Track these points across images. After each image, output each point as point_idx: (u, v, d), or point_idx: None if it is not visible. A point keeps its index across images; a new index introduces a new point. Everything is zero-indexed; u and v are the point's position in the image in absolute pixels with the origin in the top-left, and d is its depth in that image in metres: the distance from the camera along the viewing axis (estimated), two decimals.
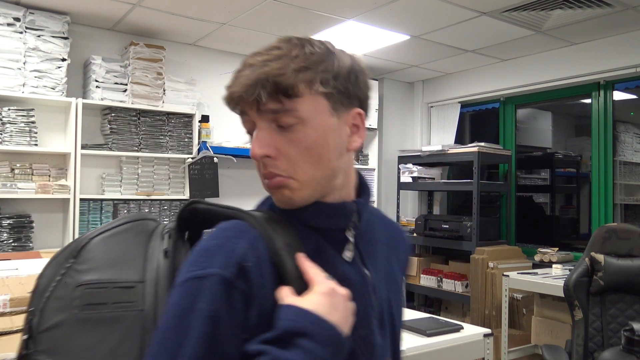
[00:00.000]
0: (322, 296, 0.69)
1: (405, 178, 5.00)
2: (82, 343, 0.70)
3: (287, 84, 0.74)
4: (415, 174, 4.92)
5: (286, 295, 0.69)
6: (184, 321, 0.64)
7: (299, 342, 0.64)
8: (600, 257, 2.47)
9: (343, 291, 0.72)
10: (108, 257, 0.75)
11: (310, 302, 0.68)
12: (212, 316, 0.64)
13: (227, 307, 0.65)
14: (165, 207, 3.97)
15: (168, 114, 3.98)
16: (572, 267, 2.60)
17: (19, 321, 1.30)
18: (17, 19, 3.42)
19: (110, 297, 0.72)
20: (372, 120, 4.94)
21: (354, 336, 0.73)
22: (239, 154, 4.27)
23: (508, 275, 3.64)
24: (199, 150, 4.06)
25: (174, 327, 0.64)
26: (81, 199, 3.60)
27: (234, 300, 0.66)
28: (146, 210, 3.88)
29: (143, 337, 0.70)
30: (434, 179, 4.98)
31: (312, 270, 0.72)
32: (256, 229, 0.74)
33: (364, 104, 0.83)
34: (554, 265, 3.83)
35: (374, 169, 5.04)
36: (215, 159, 4.07)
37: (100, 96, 3.69)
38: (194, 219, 0.82)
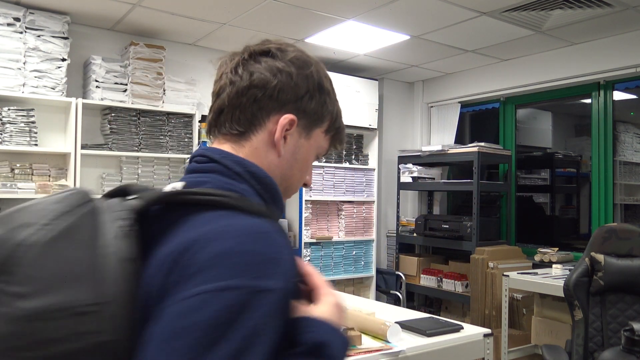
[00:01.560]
0: (334, 307, 0.71)
1: (405, 178, 5.00)
2: None
3: None
4: (415, 174, 4.93)
5: (303, 306, 0.71)
6: (237, 336, 0.55)
7: (325, 352, 0.65)
8: (600, 257, 2.47)
9: (341, 300, 0.75)
10: (54, 272, 0.54)
11: (327, 313, 0.70)
12: (275, 333, 0.60)
13: (283, 322, 0.62)
14: None
15: (168, 114, 3.98)
16: (572, 267, 2.60)
17: None
18: (17, 19, 3.42)
19: (68, 329, 0.53)
20: (372, 120, 4.94)
21: None
22: None
23: (508, 275, 3.64)
24: None
25: (226, 340, 0.54)
26: None
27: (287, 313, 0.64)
28: None
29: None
30: (434, 179, 4.98)
31: (317, 277, 0.74)
32: (284, 232, 0.69)
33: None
34: (554, 265, 3.83)
35: (374, 169, 5.04)
36: None
37: (100, 96, 3.69)
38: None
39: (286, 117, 0.79)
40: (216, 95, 0.83)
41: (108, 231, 0.58)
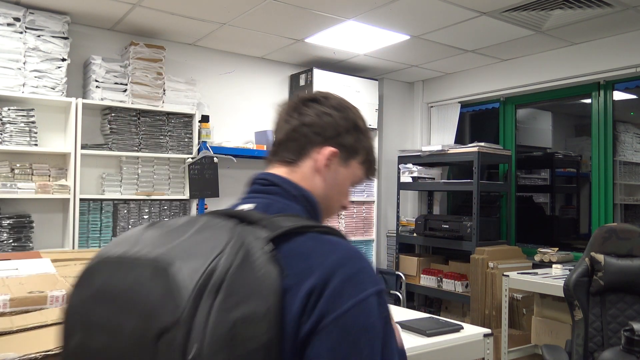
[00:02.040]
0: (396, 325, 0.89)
1: (405, 178, 5.00)
2: None
3: None
4: (415, 174, 4.93)
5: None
6: (390, 324, 0.82)
7: None
8: (600, 257, 2.47)
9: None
10: (245, 288, 0.72)
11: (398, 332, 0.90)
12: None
13: None
14: (165, 207, 3.97)
15: (168, 114, 3.98)
16: (572, 267, 2.60)
17: (19, 321, 1.30)
18: (17, 19, 3.43)
19: (258, 329, 0.71)
20: (372, 120, 4.94)
21: None
22: (239, 154, 4.27)
23: (508, 275, 3.64)
24: (199, 150, 4.06)
25: (390, 328, 0.81)
26: (81, 199, 3.60)
27: None
28: (146, 210, 3.89)
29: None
30: (434, 179, 4.98)
31: None
32: None
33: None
34: (554, 265, 3.83)
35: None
36: (215, 159, 4.07)
37: (100, 96, 3.70)
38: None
39: (329, 150, 1.01)
40: (275, 131, 1.05)
41: (260, 257, 0.75)
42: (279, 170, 1.01)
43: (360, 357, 0.75)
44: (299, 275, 0.78)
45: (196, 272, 0.71)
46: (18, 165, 3.47)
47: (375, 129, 5.01)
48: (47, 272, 1.85)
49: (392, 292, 4.85)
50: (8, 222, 3.37)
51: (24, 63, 3.44)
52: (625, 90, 4.18)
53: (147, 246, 0.77)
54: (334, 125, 1.02)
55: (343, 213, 4.82)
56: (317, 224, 0.86)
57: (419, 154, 4.83)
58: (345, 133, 1.03)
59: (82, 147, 3.61)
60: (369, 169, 1.10)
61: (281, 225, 0.82)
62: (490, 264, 4.06)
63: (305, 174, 1.00)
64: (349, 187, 1.08)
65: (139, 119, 3.86)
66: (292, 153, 1.01)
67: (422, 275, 4.78)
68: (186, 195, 4.03)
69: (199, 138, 4.10)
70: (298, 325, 0.75)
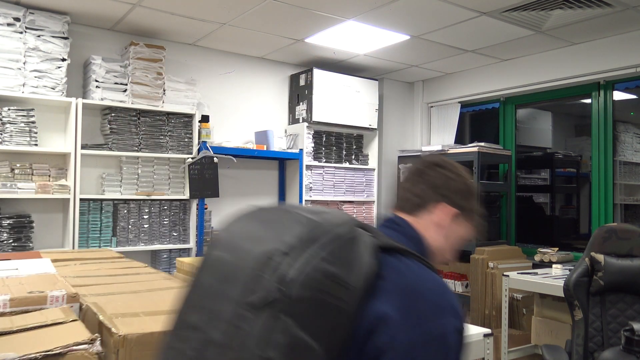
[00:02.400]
0: None
1: None
2: (314, 318, 0.85)
3: None
4: None
5: None
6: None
7: None
8: (600, 257, 2.47)
9: None
10: (345, 258, 0.89)
11: None
12: None
13: None
14: (165, 207, 3.97)
15: (168, 114, 3.98)
16: (572, 267, 2.60)
17: (19, 321, 1.30)
18: (17, 19, 3.43)
19: (341, 293, 0.86)
20: (372, 120, 4.95)
21: None
22: (239, 154, 4.28)
23: (508, 275, 3.64)
24: (199, 150, 4.06)
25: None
26: (81, 199, 3.60)
27: None
28: (146, 210, 3.89)
29: (345, 330, 0.87)
30: None
31: None
32: None
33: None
34: (554, 265, 3.83)
35: (374, 169, 5.04)
36: (215, 159, 4.08)
37: (100, 96, 3.70)
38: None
39: (448, 207, 1.20)
40: (406, 188, 1.25)
41: (367, 250, 0.92)
42: (406, 217, 1.21)
43: None
44: (389, 284, 0.93)
45: (317, 228, 0.91)
46: (18, 165, 3.48)
47: (375, 129, 5.02)
48: (47, 272, 1.85)
49: None
50: (8, 222, 3.37)
51: (24, 63, 3.44)
52: (625, 90, 4.18)
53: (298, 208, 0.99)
54: (455, 189, 1.22)
55: None
56: (420, 256, 1.03)
57: (419, 154, 4.83)
58: (463, 196, 1.23)
59: (82, 147, 3.61)
60: (478, 229, 1.31)
61: (388, 242, 0.99)
62: (490, 264, 4.06)
63: (425, 224, 1.20)
64: (458, 243, 1.26)
65: (139, 119, 3.86)
66: (418, 206, 1.21)
67: None
68: (186, 195, 4.03)
69: (199, 138, 4.10)
70: (372, 329, 0.89)
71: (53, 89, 3.53)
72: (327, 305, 0.85)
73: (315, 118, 4.57)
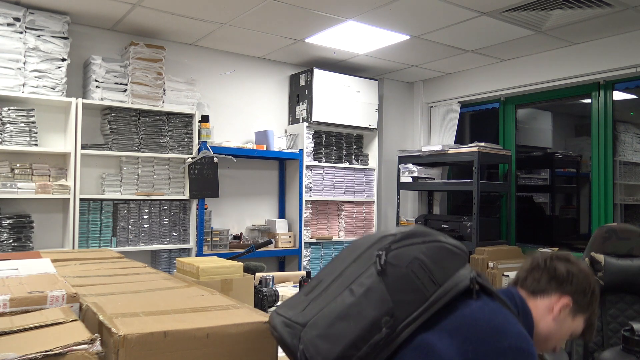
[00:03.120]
0: None
1: (405, 178, 5.00)
2: (395, 284, 1.02)
3: None
4: (415, 174, 4.93)
5: None
6: None
7: None
8: (600, 257, 2.47)
9: None
10: (442, 262, 1.06)
11: None
12: None
13: None
14: (165, 207, 3.97)
15: (168, 114, 3.98)
16: None
17: (19, 321, 1.30)
18: (17, 19, 3.43)
19: (422, 276, 1.02)
20: (372, 120, 4.95)
21: None
22: (239, 154, 4.28)
23: (508, 275, 3.64)
24: (199, 150, 4.06)
25: None
26: (81, 199, 3.60)
27: None
28: (146, 210, 3.89)
29: (416, 306, 1.01)
30: (434, 179, 4.98)
31: None
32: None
33: None
34: None
35: (374, 169, 5.04)
36: (215, 159, 4.08)
37: (100, 96, 3.70)
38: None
39: (566, 299, 1.31)
40: (534, 278, 1.36)
41: (463, 267, 1.11)
42: (523, 293, 1.34)
43: None
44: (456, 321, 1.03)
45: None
46: (18, 165, 3.48)
47: (375, 129, 5.02)
48: (47, 272, 1.85)
49: None
50: (8, 222, 3.37)
51: (24, 63, 3.44)
52: (625, 90, 4.18)
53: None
54: (575, 283, 1.32)
55: (343, 213, 4.83)
56: (514, 311, 1.12)
57: (419, 154, 4.83)
58: (582, 293, 1.32)
59: (82, 147, 3.61)
60: (589, 329, 1.38)
61: (489, 285, 1.11)
62: (491, 264, 4.06)
63: (539, 307, 1.31)
64: (567, 335, 1.36)
65: (139, 119, 3.86)
66: (538, 290, 1.33)
67: None
68: (186, 195, 4.03)
69: (199, 138, 4.10)
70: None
71: (53, 89, 3.53)
72: (410, 281, 1.01)
73: (315, 118, 4.57)
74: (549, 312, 1.31)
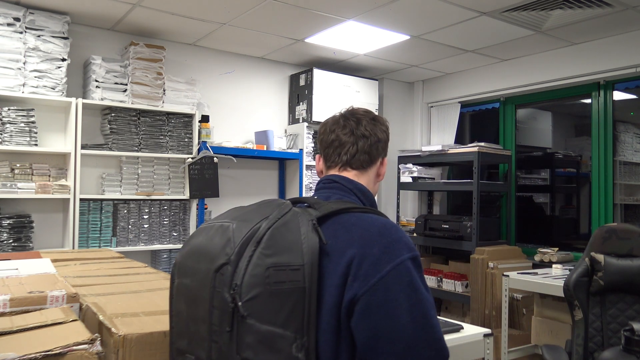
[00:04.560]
0: None
1: (405, 178, 5.00)
2: (271, 309, 0.93)
3: None
4: (415, 174, 4.93)
5: None
6: (424, 280, 1.03)
7: None
8: (600, 257, 2.47)
9: None
10: (282, 244, 0.97)
11: None
12: None
13: None
14: (165, 207, 3.97)
15: (168, 114, 3.98)
16: (572, 267, 2.60)
17: (19, 321, 1.30)
18: (17, 19, 3.43)
19: (287, 277, 0.94)
20: None
21: None
22: (239, 154, 4.28)
23: (508, 275, 3.64)
24: (199, 150, 4.06)
25: (425, 288, 1.02)
26: (81, 199, 3.60)
27: None
28: (146, 210, 3.89)
29: (305, 306, 0.94)
30: (434, 179, 4.98)
31: None
32: None
33: None
34: (554, 265, 3.83)
35: None
36: (215, 159, 4.08)
37: (100, 96, 3.70)
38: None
39: (385, 160, 1.33)
40: (340, 139, 1.29)
41: (305, 226, 1.00)
42: (347, 174, 1.27)
43: (401, 308, 0.96)
44: (341, 244, 1.01)
45: (245, 229, 0.99)
46: (18, 165, 3.48)
47: None
48: (47, 272, 1.85)
49: None
50: (8, 222, 3.37)
51: (24, 63, 3.44)
52: (625, 90, 4.18)
53: (223, 217, 1.08)
54: (387, 140, 1.33)
55: None
56: (360, 207, 1.12)
57: (419, 154, 4.83)
58: (388, 144, 1.34)
59: (82, 147, 3.61)
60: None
61: (330, 207, 1.08)
62: (490, 264, 4.06)
63: (370, 177, 1.29)
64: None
65: (139, 119, 3.86)
66: (364, 162, 1.28)
67: None
68: (186, 195, 4.03)
69: (199, 138, 4.10)
70: (344, 285, 0.98)
71: (53, 89, 3.53)
72: (279, 293, 0.93)
73: (315, 118, 4.57)
74: (375, 176, 1.32)
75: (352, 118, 1.32)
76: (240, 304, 0.92)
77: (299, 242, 0.97)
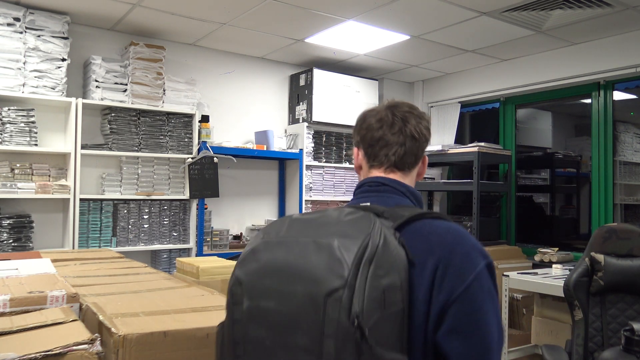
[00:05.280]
0: None
1: None
2: (389, 334, 0.89)
3: None
4: None
5: None
6: (496, 288, 1.03)
7: None
8: (600, 257, 2.47)
9: None
10: (388, 262, 0.92)
11: None
12: None
13: None
14: (165, 207, 3.97)
15: (168, 114, 3.98)
16: (572, 267, 2.60)
17: (19, 321, 1.30)
18: (17, 19, 3.43)
19: (396, 297, 0.91)
20: None
21: None
22: (239, 154, 4.28)
23: (508, 275, 3.63)
24: (199, 150, 4.06)
25: (496, 291, 1.02)
26: (81, 199, 3.60)
27: None
28: (146, 210, 3.89)
29: (404, 327, 0.93)
30: (434, 179, 4.98)
31: None
32: None
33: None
34: (554, 265, 3.83)
35: None
36: (215, 159, 4.08)
37: (100, 96, 3.70)
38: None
39: (426, 157, 1.28)
40: (399, 144, 1.21)
41: (392, 241, 0.95)
42: (394, 175, 1.21)
43: (487, 317, 0.96)
44: (420, 255, 0.98)
45: (354, 247, 0.90)
46: (18, 165, 3.48)
47: None
48: (47, 272, 1.85)
49: None
50: (8, 222, 3.37)
51: (24, 63, 3.44)
52: (625, 90, 4.18)
53: (300, 232, 0.97)
54: (430, 138, 1.27)
55: None
56: (428, 212, 1.08)
57: None
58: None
59: (82, 147, 3.61)
60: None
61: (402, 215, 1.03)
62: None
63: (413, 177, 1.24)
64: None
65: (139, 119, 3.86)
66: (411, 164, 1.22)
67: None
68: (186, 195, 4.03)
69: (199, 138, 4.10)
70: (430, 296, 0.96)
71: (53, 89, 3.53)
72: (391, 316, 0.90)
73: (315, 118, 4.57)
74: (418, 177, 1.28)
75: (399, 114, 1.23)
76: (367, 331, 0.85)
77: (396, 258, 0.93)
